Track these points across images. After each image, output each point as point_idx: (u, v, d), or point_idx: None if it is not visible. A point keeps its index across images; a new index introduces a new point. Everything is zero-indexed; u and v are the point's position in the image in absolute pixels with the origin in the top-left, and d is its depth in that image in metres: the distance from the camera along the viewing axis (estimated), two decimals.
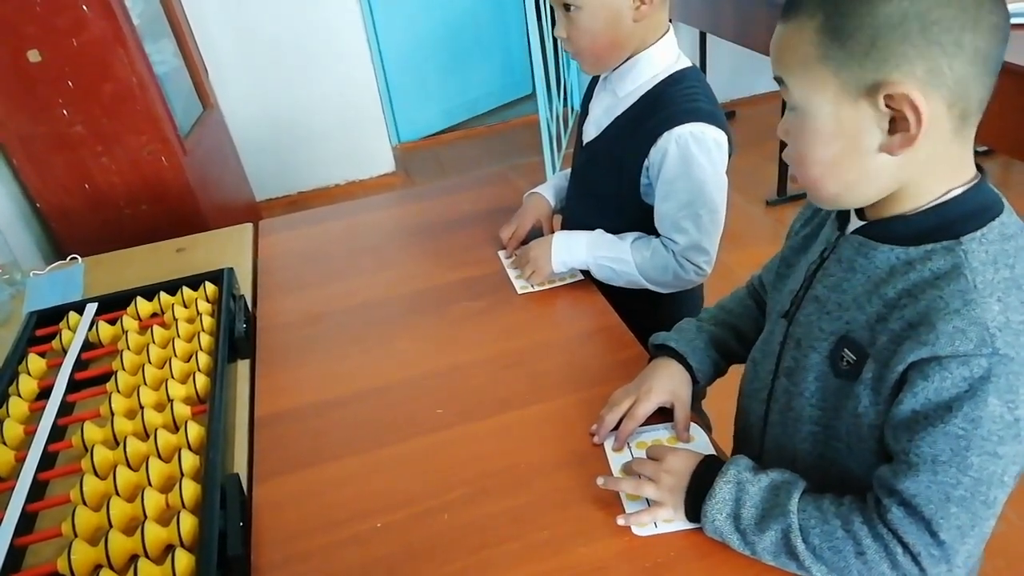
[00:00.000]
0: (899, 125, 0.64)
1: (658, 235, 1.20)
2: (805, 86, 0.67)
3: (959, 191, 0.68)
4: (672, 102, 1.12)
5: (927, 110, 0.62)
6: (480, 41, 4.39)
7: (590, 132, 1.27)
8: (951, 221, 0.68)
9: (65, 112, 2.08)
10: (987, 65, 0.63)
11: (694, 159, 1.11)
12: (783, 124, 0.73)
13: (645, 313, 1.25)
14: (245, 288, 1.41)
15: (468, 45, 4.34)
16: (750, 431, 0.92)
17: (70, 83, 2.05)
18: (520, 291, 1.29)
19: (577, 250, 1.24)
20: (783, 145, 0.77)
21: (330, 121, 3.73)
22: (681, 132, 1.11)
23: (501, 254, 1.41)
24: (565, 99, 4.05)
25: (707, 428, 0.98)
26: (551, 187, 1.44)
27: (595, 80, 1.30)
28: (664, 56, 1.16)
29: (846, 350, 0.74)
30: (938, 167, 0.66)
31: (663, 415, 0.96)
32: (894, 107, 0.63)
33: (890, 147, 0.65)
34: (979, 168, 0.71)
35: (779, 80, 0.70)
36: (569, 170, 1.46)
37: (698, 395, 1.18)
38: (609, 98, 1.21)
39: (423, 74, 4.21)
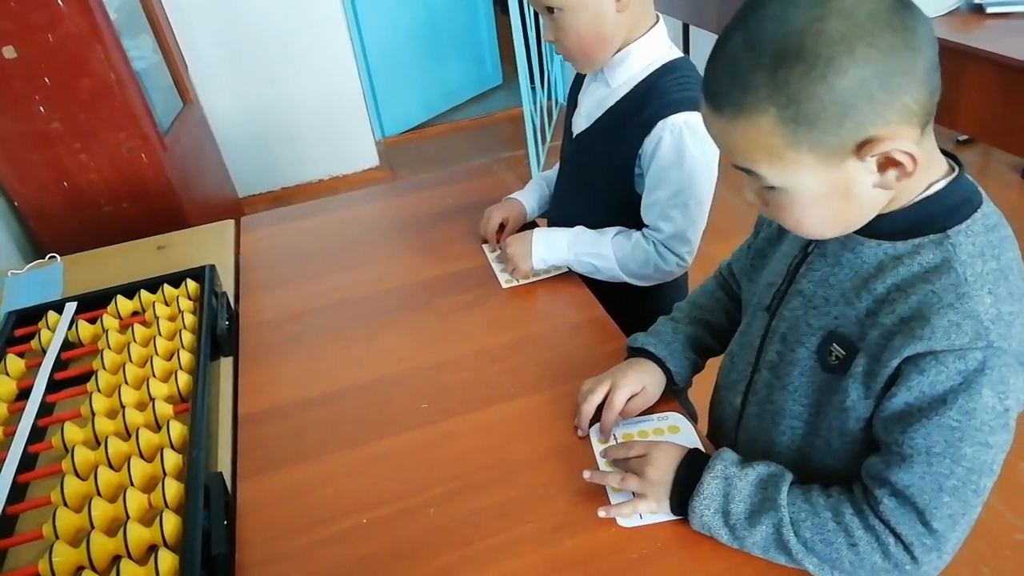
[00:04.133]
0: (888, 163, 0.63)
1: (641, 227, 1.20)
2: (781, 170, 0.65)
3: (941, 184, 0.68)
4: (666, 91, 1.12)
5: (914, 147, 0.61)
6: (455, 33, 4.41)
7: (580, 124, 1.26)
8: (937, 215, 0.68)
9: (42, 109, 2.05)
10: (934, 74, 0.63)
11: (687, 149, 1.10)
12: (755, 192, 0.70)
13: (631, 305, 1.25)
14: (227, 285, 1.39)
15: (444, 37, 4.35)
16: (725, 423, 0.93)
17: (47, 79, 2.02)
18: (505, 285, 1.29)
19: (558, 248, 1.24)
20: None
21: (313, 116, 3.71)
22: (676, 121, 1.10)
23: (485, 247, 1.40)
24: (549, 92, 4.04)
25: (693, 419, 0.98)
26: (530, 192, 1.44)
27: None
28: (656, 46, 1.15)
29: (834, 345, 0.74)
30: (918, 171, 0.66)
31: (648, 407, 0.96)
32: (881, 155, 0.63)
33: (886, 184, 0.65)
34: (957, 160, 0.71)
35: (744, 169, 0.68)
36: (550, 172, 1.46)
37: (683, 387, 1.18)
38: (601, 89, 1.20)
39: (404, 67, 4.19)
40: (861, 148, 0.62)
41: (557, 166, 1.45)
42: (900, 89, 0.60)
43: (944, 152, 0.71)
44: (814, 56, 0.59)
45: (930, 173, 0.68)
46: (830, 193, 0.66)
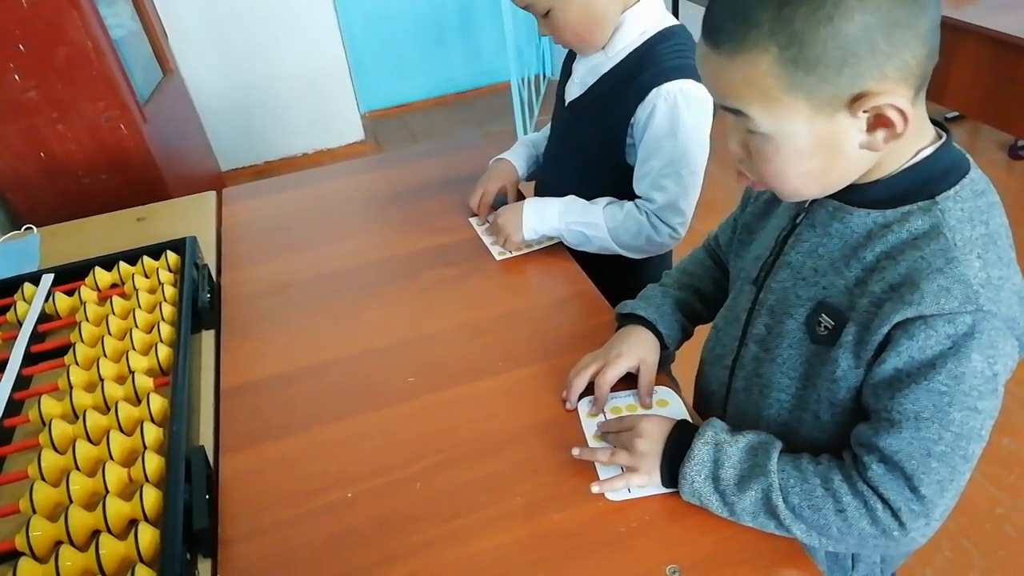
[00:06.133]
0: (879, 122, 0.63)
1: (633, 199, 1.18)
2: (772, 115, 0.64)
3: (929, 151, 0.68)
4: (661, 58, 1.11)
5: (907, 106, 0.61)
6: (466, 20, 4.21)
7: (573, 91, 1.25)
8: (925, 181, 0.68)
9: (17, 77, 1.99)
10: (935, 36, 0.62)
11: (681, 118, 1.09)
12: (739, 141, 0.69)
13: (619, 279, 1.24)
14: (209, 257, 1.37)
15: (452, 23, 4.17)
16: (712, 397, 0.93)
17: (21, 47, 1.96)
18: (498, 257, 1.27)
19: (549, 217, 1.22)
20: None
21: (297, 88, 3.65)
22: (670, 89, 1.09)
23: (473, 221, 1.38)
24: (537, 65, 3.99)
25: (677, 392, 0.97)
26: (519, 154, 1.42)
27: None
28: (650, 13, 1.14)
29: (823, 315, 0.73)
30: (907, 135, 0.65)
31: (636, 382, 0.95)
32: (874, 111, 0.62)
33: (874, 144, 0.64)
34: (945, 128, 0.71)
35: (735, 110, 0.67)
36: (536, 135, 1.44)
37: (668, 359, 1.18)
38: (596, 56, 1.19)
39: (398, 45, 4.08)
40: (855, 102, 0.61)
41: (543, 131, 1.44)
42: (903, 43, 0.59)
43: (933, 121, 0.71)
44: None
45: (919, 140, 0.68)
46: (817, 146, 0.65)
